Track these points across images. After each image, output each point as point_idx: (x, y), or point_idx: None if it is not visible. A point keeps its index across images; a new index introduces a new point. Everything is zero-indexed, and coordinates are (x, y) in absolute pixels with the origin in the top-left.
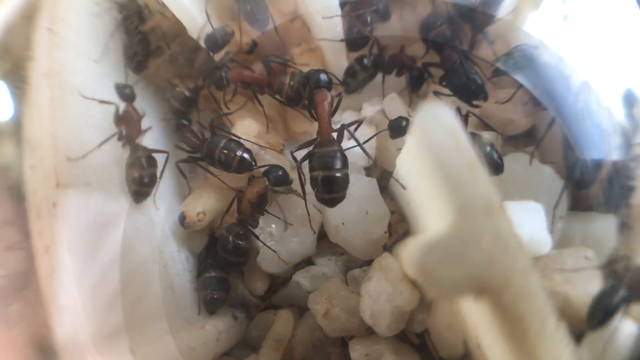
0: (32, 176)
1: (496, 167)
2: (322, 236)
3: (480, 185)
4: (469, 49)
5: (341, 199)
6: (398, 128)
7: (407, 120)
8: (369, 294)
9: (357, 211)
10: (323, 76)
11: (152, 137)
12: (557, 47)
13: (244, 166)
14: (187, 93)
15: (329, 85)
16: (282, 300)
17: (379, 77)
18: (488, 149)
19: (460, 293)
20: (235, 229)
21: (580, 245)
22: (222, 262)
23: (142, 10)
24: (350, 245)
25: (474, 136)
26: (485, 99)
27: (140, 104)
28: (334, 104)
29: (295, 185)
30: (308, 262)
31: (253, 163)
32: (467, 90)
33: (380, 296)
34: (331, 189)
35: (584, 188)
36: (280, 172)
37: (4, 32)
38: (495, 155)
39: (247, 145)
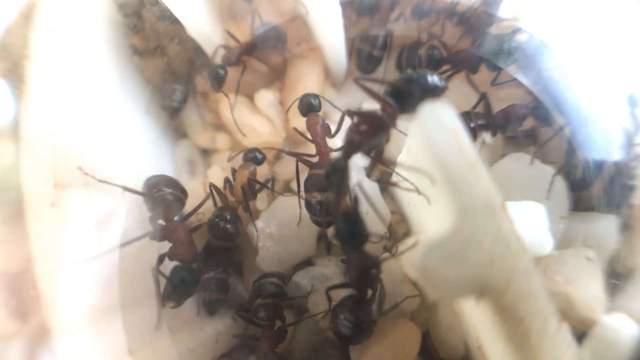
0: (30, 176)
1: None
2: (322, 237)
3: (481, 186)
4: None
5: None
6: None
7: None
8: None
9: None
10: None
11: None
12: (559, 46)
13: None
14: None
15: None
16: None
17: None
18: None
19: (462, 294)
20: (223, 213)
21: (581, 245)
22: (213, 249)
23: (140, 10)
24: None
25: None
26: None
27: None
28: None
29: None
30: (308, 262)
31: None
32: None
33: None
34: (326, 212)
35: (584, 189)
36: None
37: (2, 32)
38: None
39: None
